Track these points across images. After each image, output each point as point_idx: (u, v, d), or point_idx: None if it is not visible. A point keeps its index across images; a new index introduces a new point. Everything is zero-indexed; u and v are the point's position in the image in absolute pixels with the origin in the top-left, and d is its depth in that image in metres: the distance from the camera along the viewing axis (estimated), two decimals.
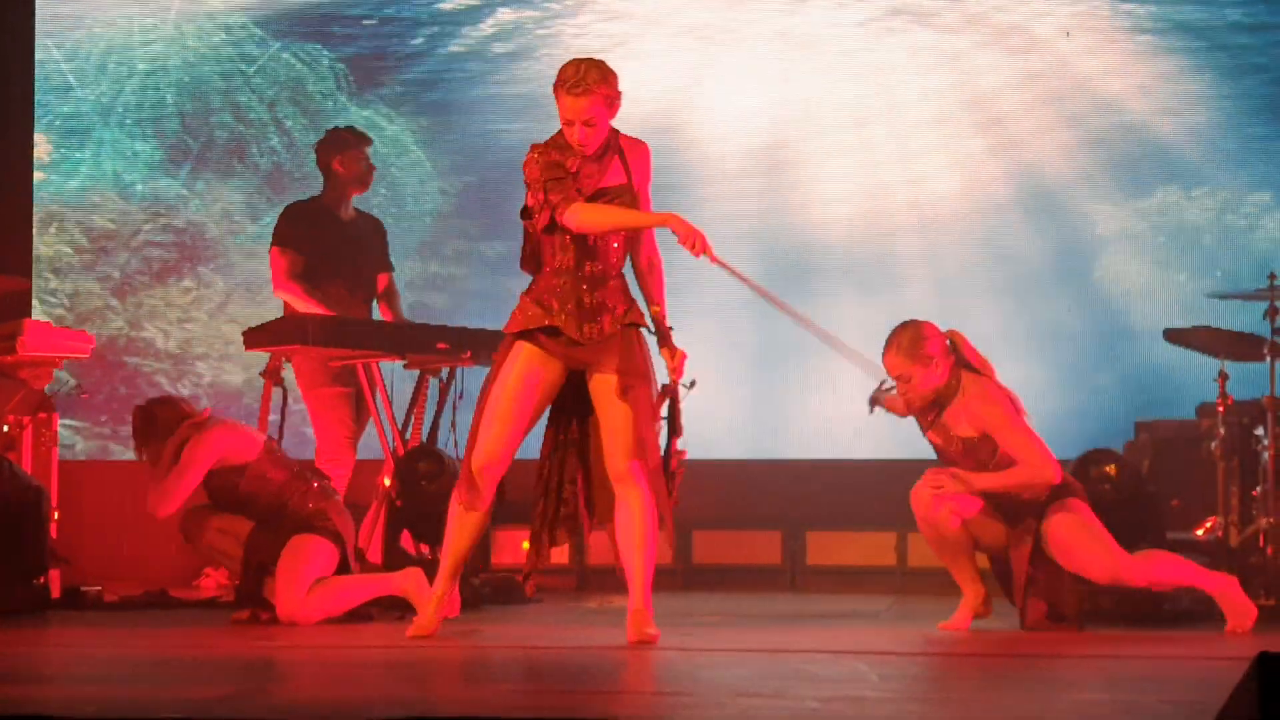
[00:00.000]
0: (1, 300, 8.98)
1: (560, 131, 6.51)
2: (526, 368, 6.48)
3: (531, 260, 6.58)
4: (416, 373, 8.87)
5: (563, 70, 6.46)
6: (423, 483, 8.20)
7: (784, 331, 10.06)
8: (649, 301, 6.68)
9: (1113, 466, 7.75)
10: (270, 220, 9.43)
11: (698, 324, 10.12)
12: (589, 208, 6.41)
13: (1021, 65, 10.15)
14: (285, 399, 8.73)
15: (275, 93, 10.81)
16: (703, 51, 10.47)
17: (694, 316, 10.11)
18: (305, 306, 8.70)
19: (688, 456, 6.71)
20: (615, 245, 6.56)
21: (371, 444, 8.86)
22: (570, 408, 6.60)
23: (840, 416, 9.91)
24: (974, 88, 10.20)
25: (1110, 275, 9.96)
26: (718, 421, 10.06)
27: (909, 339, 7.08)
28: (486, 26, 10.77)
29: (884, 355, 7.12)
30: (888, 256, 10.13)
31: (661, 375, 6.68)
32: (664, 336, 6.66)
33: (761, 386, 10.11)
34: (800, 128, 10.30)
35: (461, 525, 6.57)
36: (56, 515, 8.33)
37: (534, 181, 6.47)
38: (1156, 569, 7.05)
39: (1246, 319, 8.45)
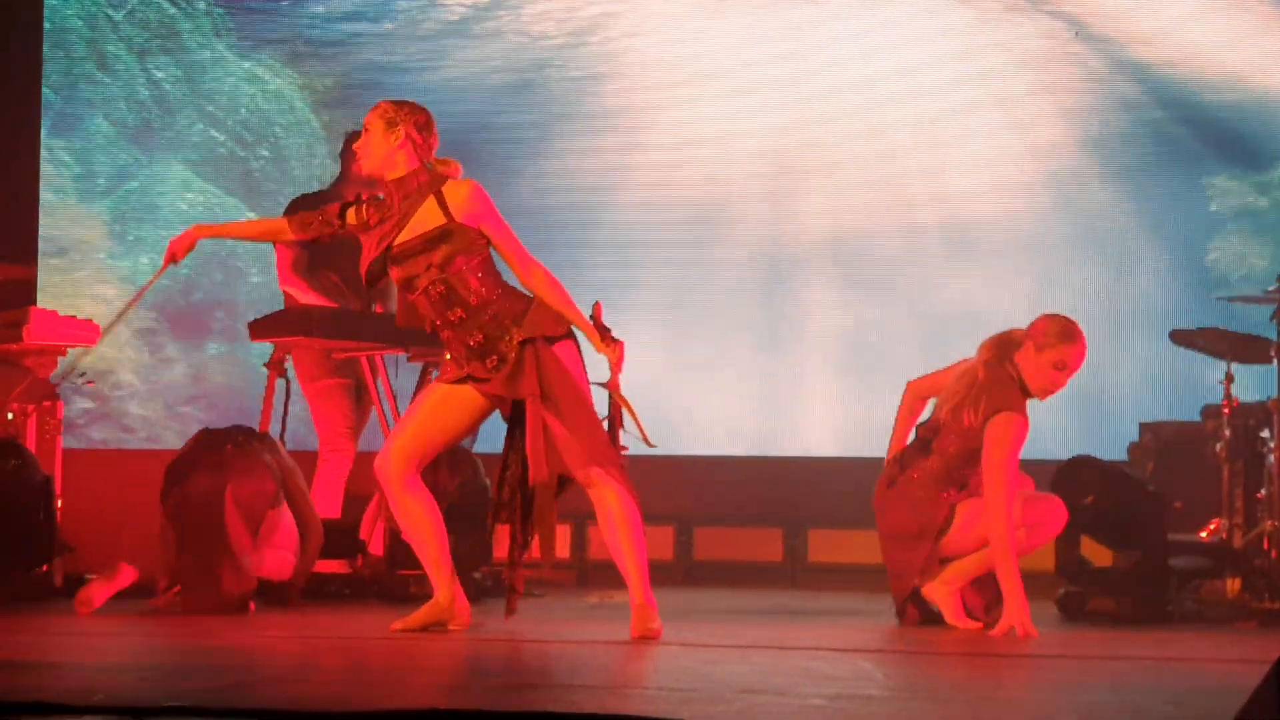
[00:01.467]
0: (5, 288, 8.97)
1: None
2: (452, 389, 6.56)
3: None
4: (420, 365, 8.87)
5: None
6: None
7: (787, 327, 10.09)
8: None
9: (1095, 473, 7.74)
10: (140, 183, 9.26)
11: (699, 319, 10.15)
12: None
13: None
14: (289, 390, 8.73)
15: (145, 41, 10.43)
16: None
17: (696, 311, 10.14)
18: (308, 300, 8.70)
19: (628, 452, 6.64)
20: (474, 283, 6.52)
21: (372, 436, 8.86)
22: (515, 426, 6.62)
23: (844, 414, 9.93)
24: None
25: (1114, 273, 9.96)
26: (720, 418, 10.08)
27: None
28: None
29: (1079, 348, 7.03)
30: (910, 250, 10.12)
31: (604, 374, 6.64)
32: (595, 336, 6.56)
33: (764, 383, 10.11)
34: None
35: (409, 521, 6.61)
36: (60, 503, 8.33)
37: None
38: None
39: (1256, 320, 8.45)
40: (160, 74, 10.42)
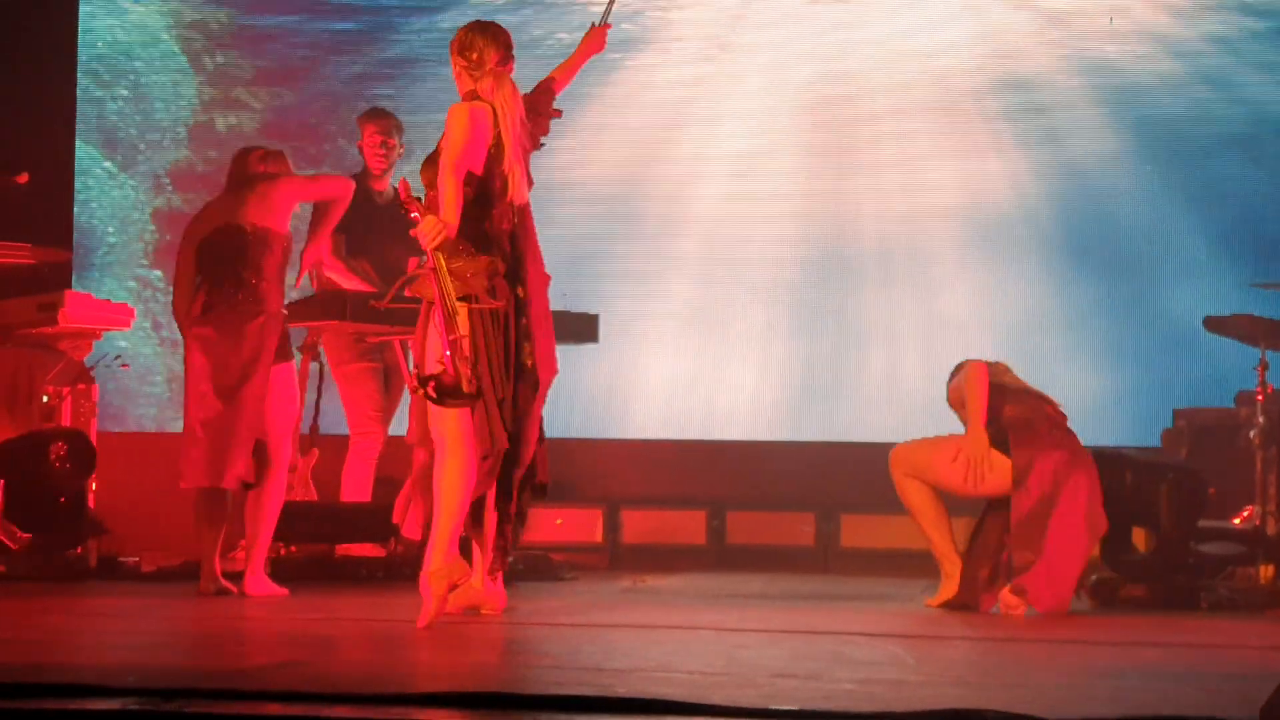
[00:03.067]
0: (41, 272, 9.00)
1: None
2: None
3: None
4: None
5: None
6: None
7: (819, 316, 10.07)
8: None
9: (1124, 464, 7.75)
10: None
11: (732, 304, 10.14)
12: None
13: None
14: (321, 374, 8.77)
15: None
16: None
17: (731, 300, 10.13)
18: (349, 285, 8.74)
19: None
20: None
21: (402, 420, 8.87)
22: None
23: (876, 399, 9.92)
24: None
25: (1150, 260, 9.92)
26: (752, 402, 10.07)
27: None
28: None
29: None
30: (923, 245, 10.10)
31: None
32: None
33: (797, 368, 10.10)
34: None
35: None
36: (94, 486, 8.38)
37: None
38: None
39: None
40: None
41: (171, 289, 7.65)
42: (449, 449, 6.27)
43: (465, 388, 6.10)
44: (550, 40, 10.12)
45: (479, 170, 6.34)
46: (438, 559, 6.21)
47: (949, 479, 7.31)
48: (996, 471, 7.22)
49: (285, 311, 7.51)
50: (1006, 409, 7.29)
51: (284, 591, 7.34)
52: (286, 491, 7.66)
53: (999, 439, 7.24)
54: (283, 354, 7.40)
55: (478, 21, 6.58)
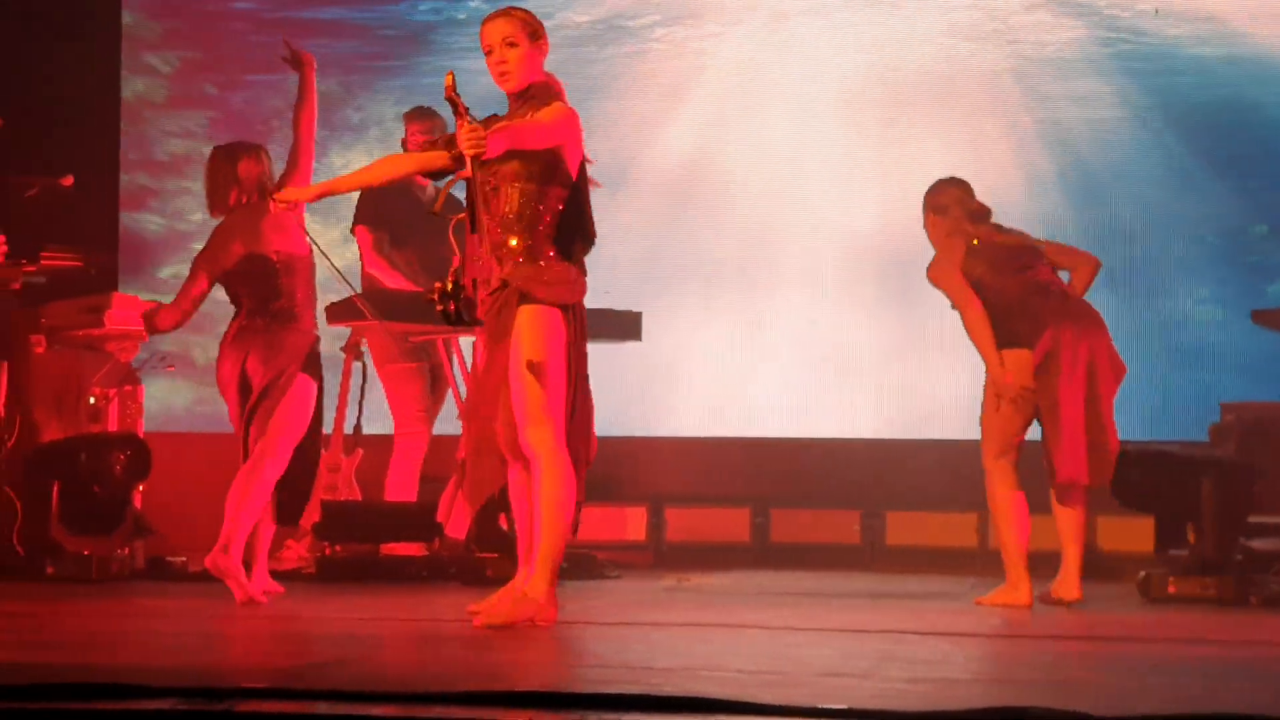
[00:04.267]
0: (87, 274, 9.03)
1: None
2: None
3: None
4: None
5: None
6: None
7: (863, 311, 10.05)
8: None
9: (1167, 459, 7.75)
10: None
11: (779, 302, 10.12)
12: None
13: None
14: (365, 374, 8.78)
15: None
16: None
17: (775, 294, 10.11)
18: (392, 282, 8.76)
19: None
20: None
21: (447, 419, 8.89)
22: None
23: (921, 396, 9.88)
24: None
25: (1195, 252, 9.87)
26: (797, 400, 10.05)
27: None
28: None
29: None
30: None
31: None
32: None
33: (841, 366, 10.08)
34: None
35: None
36: (141, 486, 8.41)
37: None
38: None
39: None
40: None
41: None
42: (555, 462, 6.04)
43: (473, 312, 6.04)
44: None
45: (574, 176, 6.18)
46: (545, 587, 6.05)
47: (1010, 423, 7.25)
48: (1027, 375, 7.23)
49: (316, 332, 7.35)
50: (994, 301, 7.30)
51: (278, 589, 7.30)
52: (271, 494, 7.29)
53: (1009, 339, 7.26)
54: (310, 369, 7.23)
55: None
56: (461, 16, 10.51)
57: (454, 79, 5.91)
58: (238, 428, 7.18)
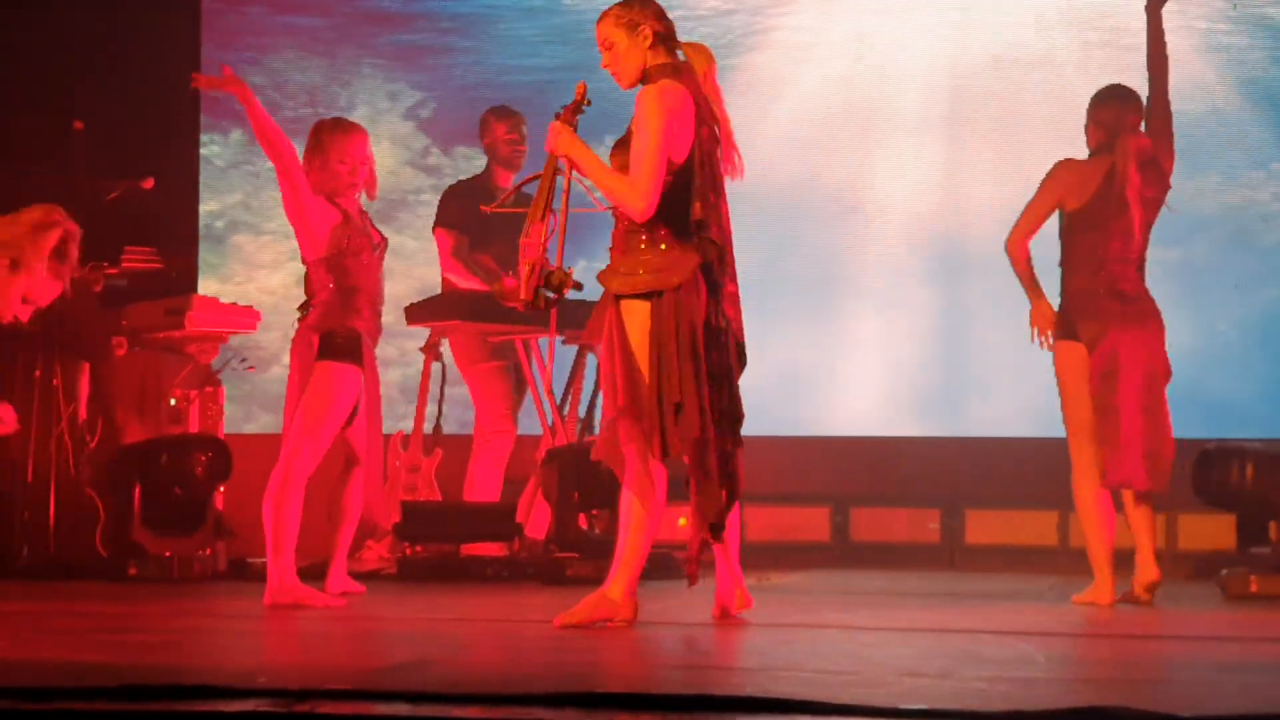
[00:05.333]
0: (169, 275, 9.11)
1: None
2: None
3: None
4: (575, 348, 8.91)
5: None
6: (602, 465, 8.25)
7: (949, 309, 9.99)
8: None
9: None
10: None
11: (856, 299, 10.09)
12: None
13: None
14: (444, 374, 8.82)
15: None
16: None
17: (852, 291, 10.08)
18: (469, 285, 8.78)
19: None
20: None
21: (527, 420, 8.91)
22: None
23: (1001, 392, 9.83)
24: None
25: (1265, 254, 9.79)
26: (874, 398, 10.02)
27: None
28: None
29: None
30: None
31: None
32: None
33: (921, 360, 10.04)
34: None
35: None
36: (222, 488, 8.47)
37: None
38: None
39: None
40: None
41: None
42: (634, 461, 6.04)
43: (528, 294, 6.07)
44: None
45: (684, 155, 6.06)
46: (624, 586, 6.05)
47: (1076, 414, 7.23)
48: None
49: (332, 325, 7.05)
50: (1068, 280, 7.29)
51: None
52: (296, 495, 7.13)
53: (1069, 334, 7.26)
54: (327, 353, 6.98)
55: None
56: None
57: (584, 88, 6.08)
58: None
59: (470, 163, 9.86)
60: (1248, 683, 4.80)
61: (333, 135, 7.08)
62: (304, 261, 7.08)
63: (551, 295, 6.12)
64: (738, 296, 6.24)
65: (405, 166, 10.51)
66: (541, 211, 6.13)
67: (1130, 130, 7.18)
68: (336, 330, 6.99)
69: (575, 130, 6.12)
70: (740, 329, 6.26)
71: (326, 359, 6.96)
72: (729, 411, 6.15)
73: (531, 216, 6.13)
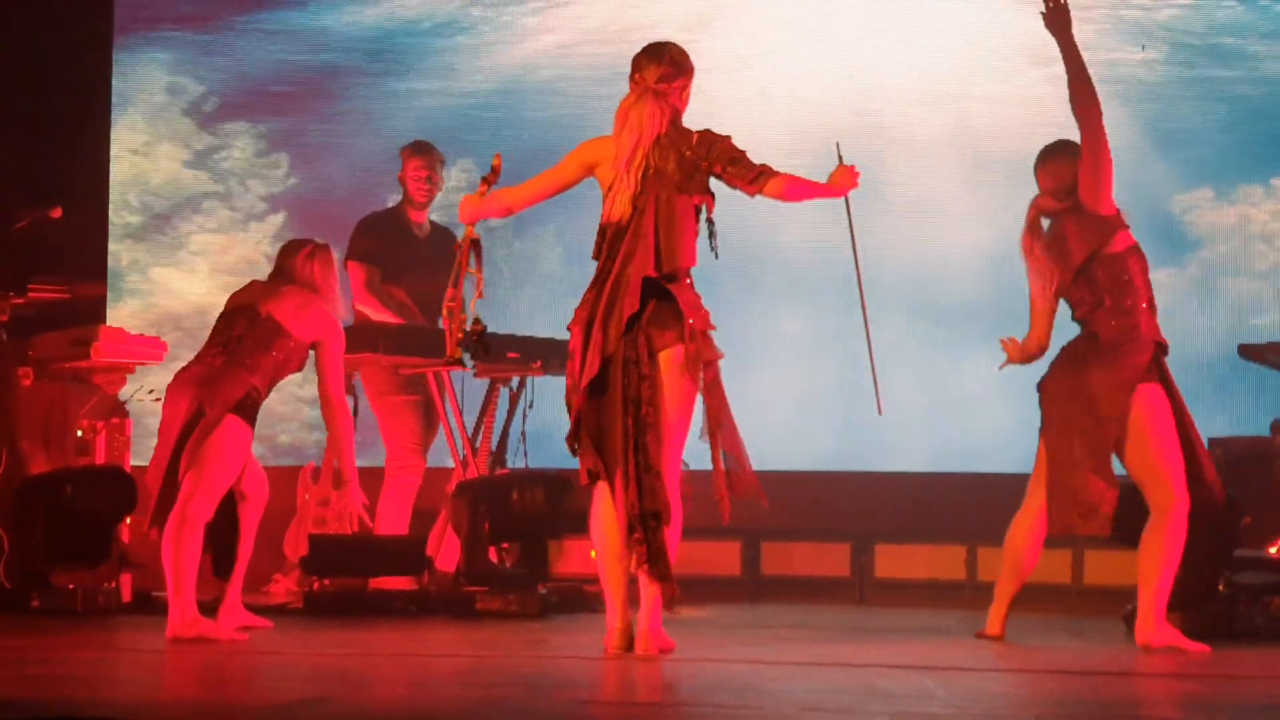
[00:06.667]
0: (76, 306, 9.05)
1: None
2: None
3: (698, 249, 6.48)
4: (487, 381, 8.90)
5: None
6: (513, 498, 8.26)
7: (857, 344, 10.01)
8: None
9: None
10: None
11: (767, 335, 10.11)
12: (790, 177, 6.45)
13: None
14: (356, 407, 8.78)
15: None
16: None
17: (763, 327, 10.10)
18: (381, 318, 8.76)
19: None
20: None
21: (440, 453, 8.89)
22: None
23: (911, 429, 9.87)
24: None
25: (1182, 287, 9.87)
26: (788, 431, 10.04)
27: None
28: None
29: None
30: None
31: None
32: None
33: (834, 398, 10.06)
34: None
35: None
36: (128, 520, 8.40)
37: (738, 150, 6.41)
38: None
39: None
40: None
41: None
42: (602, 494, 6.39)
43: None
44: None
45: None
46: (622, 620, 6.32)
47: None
48: None
49: (261, 388, 7.17)
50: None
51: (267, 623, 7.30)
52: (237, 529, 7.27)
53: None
54: (243, 411, 7.07)
55: (656, 42, 6.57)
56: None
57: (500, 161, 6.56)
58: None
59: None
60: (1145, 717, 4.84)
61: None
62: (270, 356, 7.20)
63: (473, 351, 6.61)
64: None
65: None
66: (455, 278, 6.51)
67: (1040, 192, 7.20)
68: (252, 394, 7.11)
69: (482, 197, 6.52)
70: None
71: (236, 414, 7.03)
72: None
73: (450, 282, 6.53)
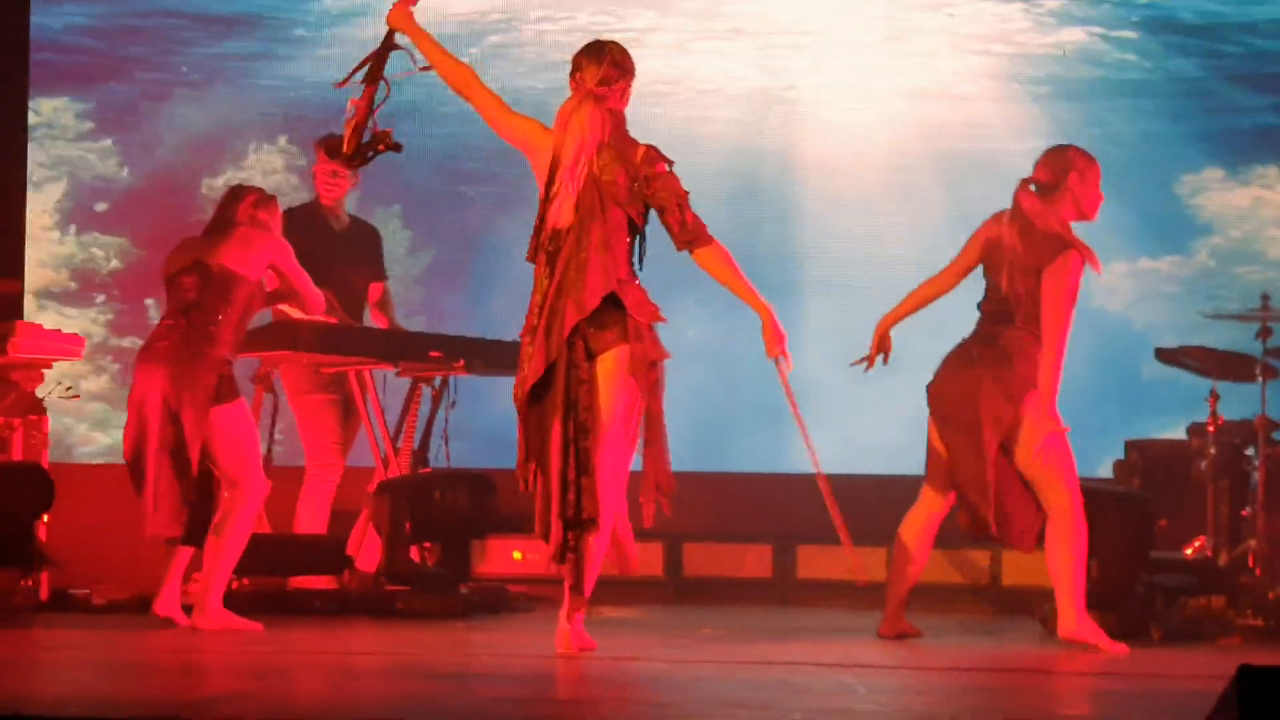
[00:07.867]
0: None
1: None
2: None
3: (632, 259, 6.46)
4: (409, 380, 8.87)
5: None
6: (435, 497, 8.24)
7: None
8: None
9: None
10: None
11: (697, 332, 10.12)
12: (722, 253, 6.48)
13: None
14: (276, 405, 8.74)
15: None
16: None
17: (693, 325, 10.10)
18: (301, 315, 8.70)
19: None
20: None
21: (360, 452, 8.86)
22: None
23: (833, 432, 9.90)
24: None
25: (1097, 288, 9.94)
26: (713, 434, 10.05)
27: None
28: None
29: None
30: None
31: None
32: None
33: (756, 399, 10.08)
34: None
35: None
36: (45, 518, 8.34)
37: (681, 196, 6.39)
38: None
39: (1239, 337, 8.43)
40: None
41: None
42: None
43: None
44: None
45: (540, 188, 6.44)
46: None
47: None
48: None
49: (231, 357, 7.39)
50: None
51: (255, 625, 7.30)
52: (252, 527, 7.52)
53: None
54: (224, 395, 7.25)
55: (596, 41, 6.55)
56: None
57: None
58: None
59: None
60: (1069, 715, 4.88)
61: None
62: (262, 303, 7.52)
63: (370, 155, 6.67)
64: None
65: None
66: (372, 75, 6.59)
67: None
68: (224, 371, 7.32)
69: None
70: None
71: (217, 404, 7.24)
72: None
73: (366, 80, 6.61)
